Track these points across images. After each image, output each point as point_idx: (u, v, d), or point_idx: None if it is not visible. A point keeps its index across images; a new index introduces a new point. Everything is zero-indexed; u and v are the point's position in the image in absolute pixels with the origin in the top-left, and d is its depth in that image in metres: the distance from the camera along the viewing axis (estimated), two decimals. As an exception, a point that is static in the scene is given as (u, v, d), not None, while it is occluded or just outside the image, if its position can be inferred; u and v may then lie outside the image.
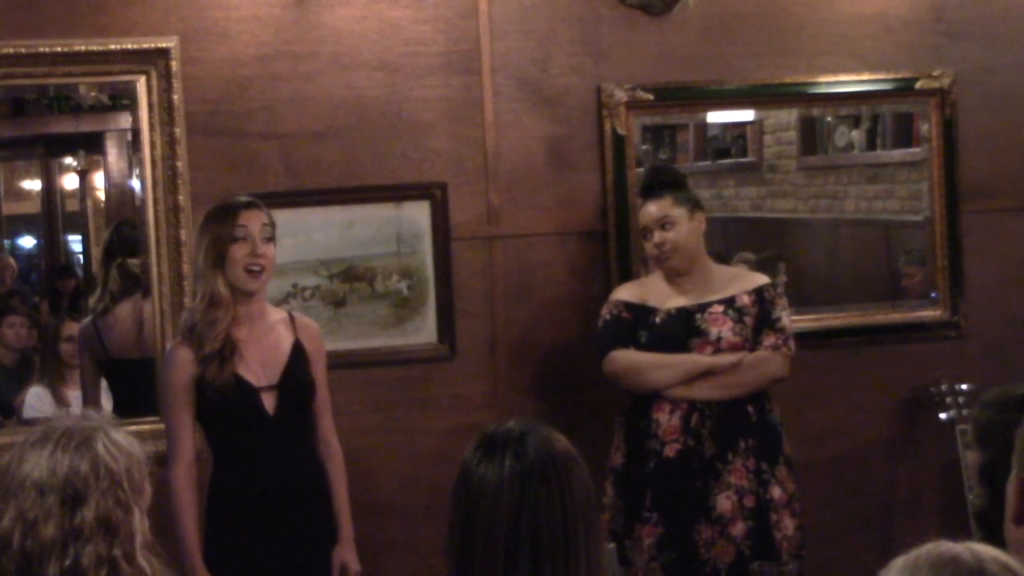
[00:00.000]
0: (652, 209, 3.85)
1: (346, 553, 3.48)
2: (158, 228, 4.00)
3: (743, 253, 4.57)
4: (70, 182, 4.97)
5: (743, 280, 3.90)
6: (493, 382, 4.29)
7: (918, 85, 4.53)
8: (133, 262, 4.23)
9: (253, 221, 3.38)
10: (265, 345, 3.40)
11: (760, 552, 3.63)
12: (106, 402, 4.23)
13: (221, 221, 3.37)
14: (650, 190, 3.91)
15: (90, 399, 4.23)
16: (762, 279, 3.93)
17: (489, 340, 4.28)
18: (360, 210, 4.18)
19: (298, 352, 3.45)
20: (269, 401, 3.36)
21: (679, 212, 3.82)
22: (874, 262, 4.96)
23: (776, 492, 3.72)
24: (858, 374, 4.55)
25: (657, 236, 3.83)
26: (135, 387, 4.17)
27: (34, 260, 5.16)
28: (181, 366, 3.33)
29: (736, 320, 3.77)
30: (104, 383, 4.30)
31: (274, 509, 3.34)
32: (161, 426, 3.88)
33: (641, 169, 4.35)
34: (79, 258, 5.02)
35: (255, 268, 3.37)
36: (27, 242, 5.20)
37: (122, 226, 4.50)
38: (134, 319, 4.22)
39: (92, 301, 4.34)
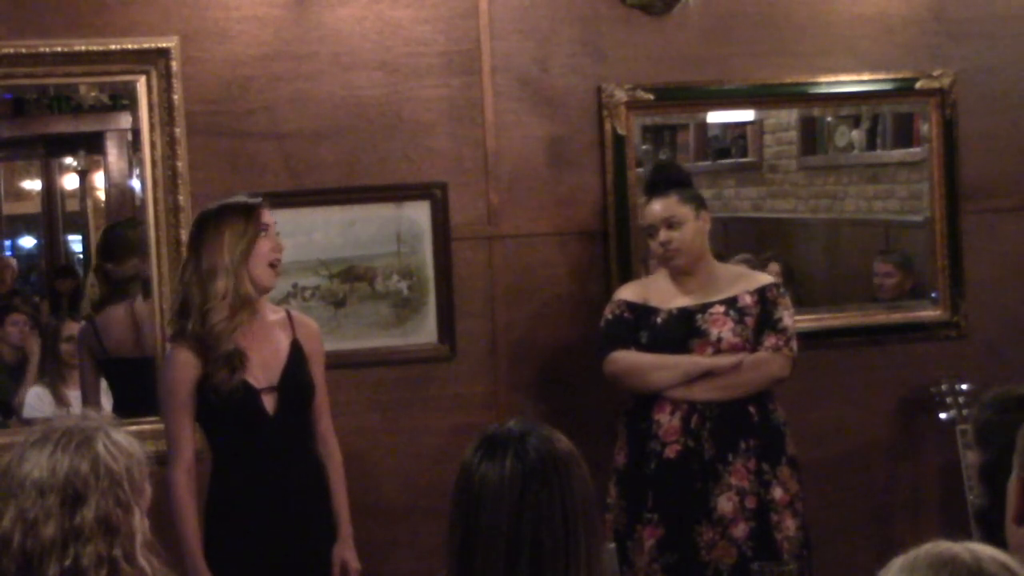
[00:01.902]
0: (657, 208, 3.82)
1: (346, 552, 3.48)
2: (158, 228, 4.00)
3: (742, 254, 4.57)
4: (70, 182, 4.97)
5: (746, 280, 3.89)
6: (493, 382, 4.29)
7: (918, 85, 4.53)
8: (112, 267, 4.23)
9: (270, 218, 3.40)
10: (265, 346, 3.39)
11: (761, 553, 3.62)
12: (106, 402, 4.24)
13: (244, 217, 3.34)
14: (655, 188, 3.87)
15: (90, 399, 4.23)
16: (766, 279, 3.92)
17: (489, 340, 4.28)
18: (360, 210, 4.18)
19: (296, 352, 3.44)
20: (269, 402, 3.36)
21: (685, 211, 3.80)
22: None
23: (777, 493, 3.71)
24: (858, 374, 4.55)
25: (662, 235, 3.80)
26: (134, 387, 4.17)
27: (34, 260, 5.17)
28: (183, 367, 3.31)
29: (737, 321, 3.76)
30: (104, 383, 4.31)
31: (274, 509, 3.34)
32: (161, 426, 3.89)
33: (641, 169, 4.35)
34: (79, 258, 5.03)
35: (276, 263, 3.39)
36: (27, 242, 5.21)
37: (110, 230, 4.51)
38: (130, 319, 4.22)
39: (83, 304, 4.35)
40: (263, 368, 3.36)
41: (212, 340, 3.28)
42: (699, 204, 3.83)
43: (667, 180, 3.88)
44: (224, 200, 3.45)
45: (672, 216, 3.79)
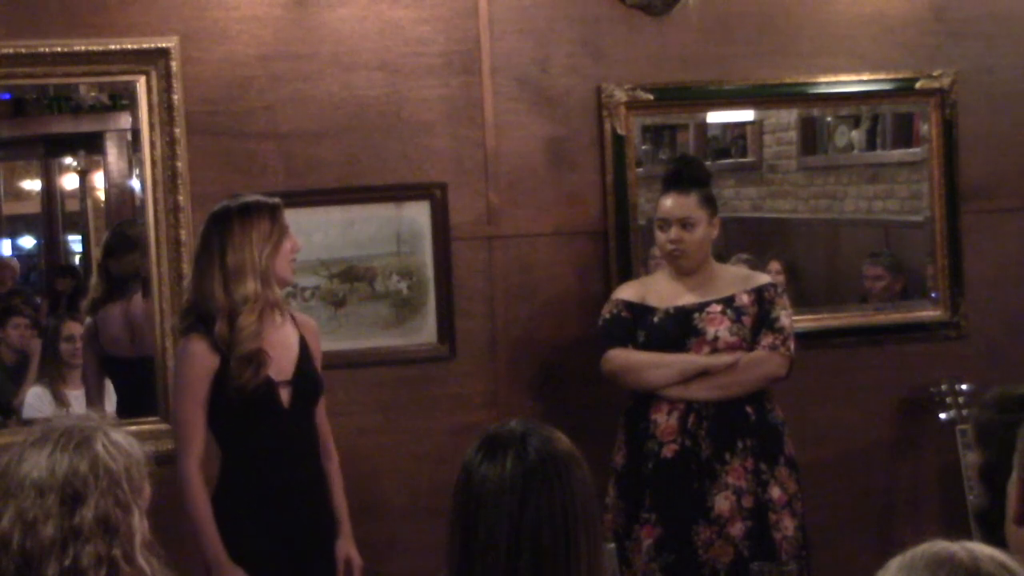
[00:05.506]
0: (676, 205, 3.80)
1: (349, 548, 3.50)
2: (158, 228, 3.99)
3: (742, 254, 4.56)
4: (70, 182, 4.98)
5: (745, 280, 3.89)
6: (493, 382, 4.29)
7: (918, 85, 4.53)
8: (113, 263, 4.23)
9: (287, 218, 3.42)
10: (278, 340, 3.39)
11: (759, 552, 3.62)
12: (109, 402, 4.24)
13: (270, 217, 3.35)
14: (677, 183, 3.85)
15: (92, 398, 4.24)
16: (764, 279, 3.92)
17: (489, 340, 4.28)
18: (360, 210, 4.18)
19: (304, 347, 3.45)
20: (285, 395, 3.36)
21: (701, 214, 3.79)
22: (874, 262, 4.95)
23: (775, 492, 3.71)
24: (858, 374, 4.55)
25: (674, 233, 3.79)
26: (131, 386, 4.17)
27: (34, 260, 5.17)
28: (200, 360, 3.29)
29: (734, 320, 3.76)
30: (109, 382, 4.31)
31: (285, 502, 3.35)
32: (161, 426, 3.89)
33: (641, 169, 4.35)
34: (79, 258, 5.03)
35: (294, 259, 3.43)
36: (27, 242, 5.21)
37: (117, 227, 4.52)
38: (125, 318, 4.23)
39: (82, 303, 4.36)
40: (277, 362, 3.36)
41: (238, 341, 3.27)
42: (714, 209, 3.83)
43: (690, 177, 3.86)
44: (240, 198, 3.40)
45: (688, 217, 3.78)
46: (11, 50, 3.89)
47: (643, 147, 4.47)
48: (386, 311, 4.21)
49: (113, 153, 4.51)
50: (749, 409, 3.74)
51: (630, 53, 4.35)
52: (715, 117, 4.74)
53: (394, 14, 4.19)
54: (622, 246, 4.31)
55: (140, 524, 2.11)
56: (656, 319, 3.79)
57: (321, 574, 3.44)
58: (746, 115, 4.77)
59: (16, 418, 4.30)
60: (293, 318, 3.50)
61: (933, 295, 4.61)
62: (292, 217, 3.48)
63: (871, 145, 4.81)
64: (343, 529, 3.50)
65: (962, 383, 4.41)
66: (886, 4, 4.53)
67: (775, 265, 4.63)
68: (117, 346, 4.24)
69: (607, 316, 3.87)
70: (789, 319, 3.83)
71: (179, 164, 3.99)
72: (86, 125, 4.52)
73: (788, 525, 3.71)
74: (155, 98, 3.97)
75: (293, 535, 3.36)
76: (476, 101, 4.25)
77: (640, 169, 4.35)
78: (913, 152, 4.70)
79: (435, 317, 4.22)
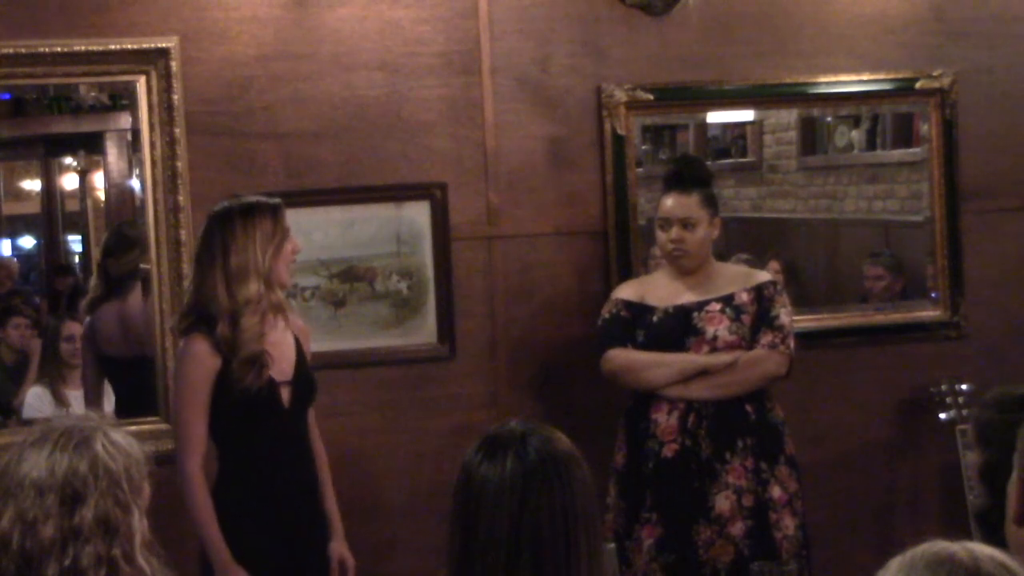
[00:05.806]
0: (677, 204, 3.81)
1: (342, 548, 3.49)
2: (158, 228, 3.99)
3: (740, 255, 4.56)
4: (70, 182, 4.97)
5: (745, 278, 3.89)
6: (493, 382, 4.29)
7: (918, 85, 4.53)
8: (112, 262, 4.24)
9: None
10: (278, 341, 3.40)
11: (760, 552, 3.62)
12: (108, 402, 4.24)
13: (273, 218, 3.34)
14: (679, 183, 3.85)
15: (91, 398, 4.24)
16: (763, 277, 3.92)
17: (489, 340, 4.28)
18: (360, 210, 4.18)
19: (299, 348, 3.46)
20: (285, 395, 3.37)
21: (702, 214, 3.80)
22: (874, 262, 4.94)
23: (776, 492, 3.71)
24: (858, 374, 4.55)
25: (675, 232, 3.80)
26: (131, 385, 4.17)
27: (34, 260, 5.16)
28: (203, 360, 3.28)
29: (733, 319, 3.76)
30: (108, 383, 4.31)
31: (284, 502, 3.35)
32: (161, 426, 3.89)
33: (641, 169, 4.35)
34: (79, 258, 5.02)
35: (294, 261, 3.43)
36: (27, 242, 5.20)
37: (114, 227, 4.52)
38: (120, 317, 4.23)
39: (81, 303, 4.36)
40: (278, 363, 3.36)
41: (241, 343, 3.27)
42: (715, 209, 3.84)
43: (691, 177, 3.86)
44: (242, 199, 3.39)
45: (689, 217, 3.79)
46: (11, 50, 3.89)
47: (643, 147, 4.47)
48: (386, 311, 4.21)
49: (113, 153, 4.51)
50: (749, 408, 3.74)
51: (630, 53, 4.35)
52: (715, 117, 4.74)
53: (394, 14, 4.19)
54: (622, 246, 4.31)
55: (140, 524, 2.11)
56: (655, 318, 3.79)
57: (318, 573, 3.44)
58: (746, 115, 4.77)
59: (16, 418, 4.30)
60: (285, 319, 3.50)
61: (933, 295, 4.61)
62: (292, 217, 3.48)
63: (871, 145, 4.81)
64: (336, 530, 3.50)
65: (962, 383, 4.41)
66: (886, 4, 4.54)
67: (774, 265, 4.64)
68: (112, 346, 4.24)
69: (606, 316, 3.87)
70: (789, 317, 3.82)
71: (179, 164, 3.99)
72: (86, 125, 4.51)
73: (788, 524, 3.71)
74: (155, 98, 3.97)
75: (291, 535, 3.36)
76: (476, 101, 4.25)
77: (640, 169, 4.35)
78: (913, 152, 4.70)
79: (435, 317, 4.22)
